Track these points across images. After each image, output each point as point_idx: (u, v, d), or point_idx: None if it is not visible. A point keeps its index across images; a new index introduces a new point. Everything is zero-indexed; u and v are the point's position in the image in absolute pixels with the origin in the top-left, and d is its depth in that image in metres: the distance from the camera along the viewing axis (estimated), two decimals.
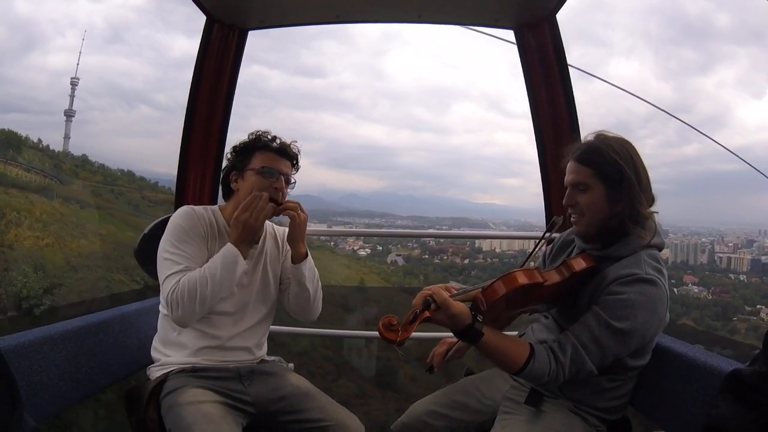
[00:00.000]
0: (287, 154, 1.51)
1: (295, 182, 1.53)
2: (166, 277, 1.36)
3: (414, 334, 1.17)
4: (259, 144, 1.49)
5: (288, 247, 1.56)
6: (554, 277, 1.22)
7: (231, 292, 1.43)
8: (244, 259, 1.40)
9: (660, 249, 1.26)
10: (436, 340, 1.64)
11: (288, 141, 1.52)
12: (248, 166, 1.47)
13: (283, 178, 1.49)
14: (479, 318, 1.17)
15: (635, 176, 1.21)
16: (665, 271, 1.22)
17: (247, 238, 1.41)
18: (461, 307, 1.15)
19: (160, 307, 1.48)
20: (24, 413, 0.93)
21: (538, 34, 1.90)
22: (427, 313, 1.14)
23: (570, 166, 1.28)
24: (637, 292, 1.15)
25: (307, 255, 1.52)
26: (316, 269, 1.56)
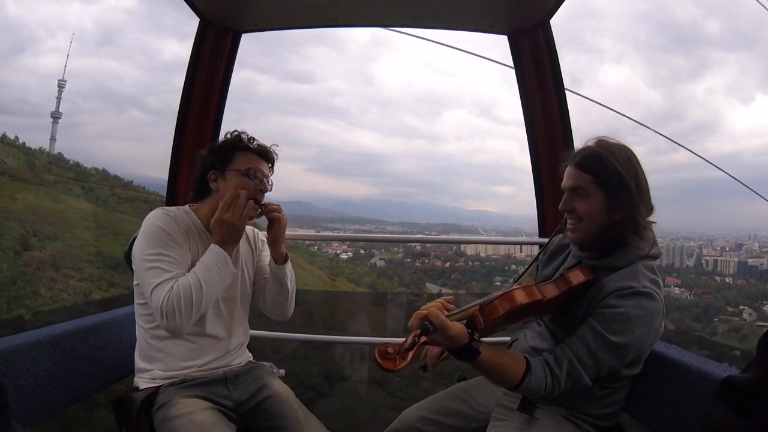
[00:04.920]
0: (267, 157, 1.50)
1: (272, 184, 1.51)
2: (157, 285, 1.29)
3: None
4: (240, 144, 1.46)
5: (261, 247, 1.59)
6: (552, 292, 1.20)
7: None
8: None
9: (656, 258, 1.24)
10: None
11: (267, 144, 1.50)
12: (230, 166, 1.44)
13: (266, 180, 1.48)
14: (476, 336, 1.14)
15: (636, 185, 1.18)
16: (661, 282, 1.21)
17: (231, 238, 1.38)
18: (459, 328, 1.11)
19: (139, 319, 1.44)
20: (12, 419, 0.91)
21: (532, 40, 1.90)
22: (425, 338, 1.09)
23: (569, 171, 1.25)
24: (635, 306, 1.14)
25: (288, 256, 1.53)
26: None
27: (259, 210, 1.46)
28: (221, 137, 1.51)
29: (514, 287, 1.17)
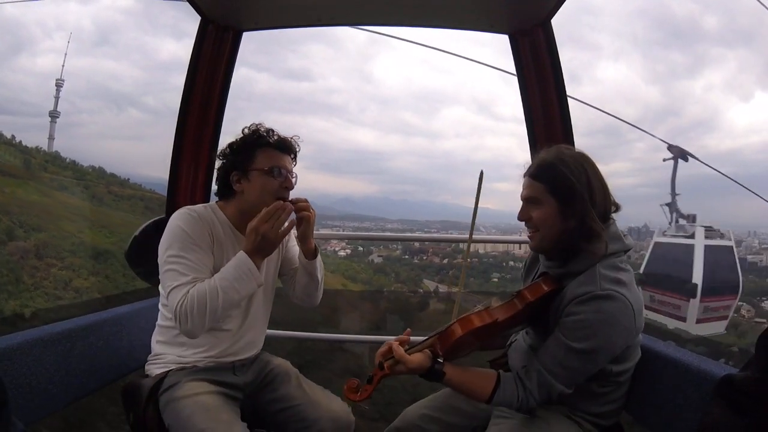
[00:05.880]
0: (288, 149, 1.45)
1: (296, 177, 1.46)
2: (173, 288, 1.29)
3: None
4: (260, 141, 1.41)
5: (287, 238, 1.57)
6: (507, 312, 1.23)
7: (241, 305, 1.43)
8: (258, 269, 1.33)
9: (626, 251, 1.26)
10: None
11: (287, 136, 1.46)
12: (252, 165, 1.39)
13: (290, 176, 1.43)
14: (439, 360, 1.24)
15: (588, 193, 1.20)
16: (629, 276, 1.22)
17: (263, 251, 1.34)
18: (418, 358, 1.23)
19: (161, 308, 1.46)
20: (12, 416, 0.91)
21: (533, 40, 1.89)
22: (385, 371, 1.23)
23: (525, 181, 1.29)
24: (594, 311, 1.15)
25: (318, 250, 1.53)
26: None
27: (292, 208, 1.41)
28: (240, 132, 1.45)
29: (470, 312, 1.24)
